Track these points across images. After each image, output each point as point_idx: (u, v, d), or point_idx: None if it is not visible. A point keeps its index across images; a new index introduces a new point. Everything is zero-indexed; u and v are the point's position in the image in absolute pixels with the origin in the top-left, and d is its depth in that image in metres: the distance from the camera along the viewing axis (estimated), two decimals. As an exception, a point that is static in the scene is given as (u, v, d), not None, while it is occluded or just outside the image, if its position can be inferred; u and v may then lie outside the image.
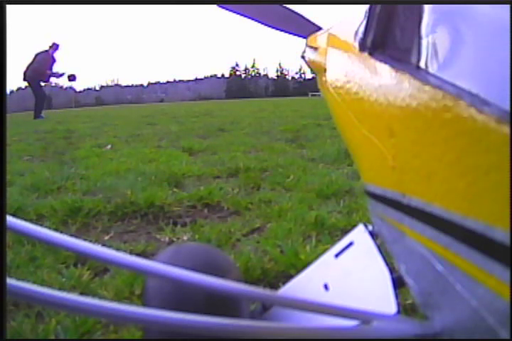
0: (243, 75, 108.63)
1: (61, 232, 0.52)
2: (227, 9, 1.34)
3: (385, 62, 0.51)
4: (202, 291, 0.73)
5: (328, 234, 1.93)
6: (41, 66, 11.77)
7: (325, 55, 0.90)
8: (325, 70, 0.87)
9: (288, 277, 1.32)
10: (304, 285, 0.88)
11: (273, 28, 1.44)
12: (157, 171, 3.47)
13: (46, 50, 12.08)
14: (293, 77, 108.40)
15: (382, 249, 0.75)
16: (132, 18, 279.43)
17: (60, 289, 1.38)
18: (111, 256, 0.51)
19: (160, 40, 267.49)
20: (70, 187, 3.08)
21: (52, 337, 1.20)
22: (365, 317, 0.56)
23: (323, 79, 0.89)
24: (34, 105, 12.52)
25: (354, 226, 0.90)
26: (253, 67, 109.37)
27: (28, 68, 11.95)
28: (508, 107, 0.27)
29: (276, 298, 0.62)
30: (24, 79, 12.05)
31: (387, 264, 0.71)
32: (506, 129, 0.27)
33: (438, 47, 0.40)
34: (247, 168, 3.50)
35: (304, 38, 1.34)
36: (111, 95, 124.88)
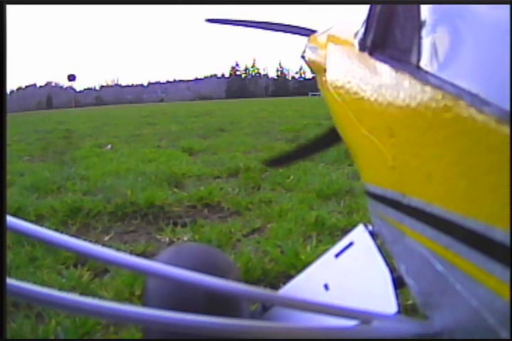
0: (243, 75, 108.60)
1: (61, 232, 0.52)
2: (220, 23, 1.34)
3: (385, 62, 0.51)
4: (202, 291, 0.73)
5: (329, 234, 1.93)
6: None
7: (325, 55, 0.90)
8: (325, 70, 0.87)
9: (288, 277, 1.32)
10: (304, 285, 0.88)
11: (273, 30, 1.44)
12: (157, 171, 3.47)
13: None
14: (293, 77, 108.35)
15: (382, 249, 0.75)
16: (132, 17, 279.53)
17: (60, 290, 1.38)
18: (111, 256, 0.51)
19: (160, 40, 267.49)
20: (70, 187, 3.08)
21: (52, 338, 1.20)
22: (365, 317, 0.55)
23: (323, 79, 0.89)
24: None
25: (354, 226, 0.90)
26: (253, 67, 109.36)
27: None
28: (508, 107, 0.27)
29: (276, 298, 0.62)
30: None
31: (387, 264, 0.71)
32: (506, 129, 0.27)
33: (438, 47, 0.40)
34: (247, 168, 3.50)
35: (305, 36, 1.34)
36: (111, 95, 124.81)
